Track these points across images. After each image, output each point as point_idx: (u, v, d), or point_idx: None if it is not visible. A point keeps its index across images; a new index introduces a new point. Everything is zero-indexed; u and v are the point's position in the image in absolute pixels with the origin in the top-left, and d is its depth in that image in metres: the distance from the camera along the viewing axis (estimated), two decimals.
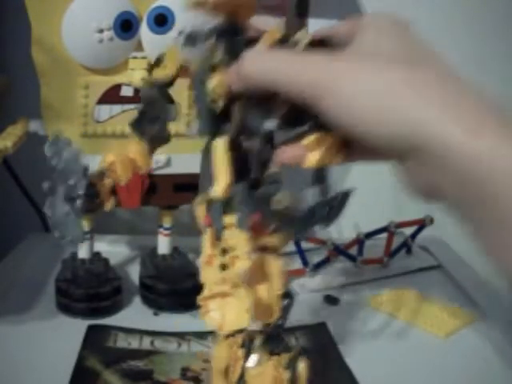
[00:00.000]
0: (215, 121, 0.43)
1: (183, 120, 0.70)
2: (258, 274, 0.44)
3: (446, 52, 1.05)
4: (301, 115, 0.40)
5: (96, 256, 0.75)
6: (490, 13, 0.99)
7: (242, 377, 0.43)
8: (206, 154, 0.45)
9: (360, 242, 0.84)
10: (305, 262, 0.81)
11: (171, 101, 0.56)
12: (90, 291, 0.69)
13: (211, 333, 0.66)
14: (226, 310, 0.44)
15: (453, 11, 0.99)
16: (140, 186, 0.71)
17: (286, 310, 0.45)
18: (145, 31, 0.65)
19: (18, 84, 0.92)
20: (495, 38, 1.00)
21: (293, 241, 0.81)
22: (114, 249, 0.85)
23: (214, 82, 0.42)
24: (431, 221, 0.85)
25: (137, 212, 0.98)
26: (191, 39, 0.46)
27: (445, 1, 0.99)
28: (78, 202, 0.58)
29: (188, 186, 0.74)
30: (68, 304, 0.69)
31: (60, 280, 0.71)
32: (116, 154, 0.58)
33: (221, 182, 0.43)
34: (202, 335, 0.66)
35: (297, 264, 0.81)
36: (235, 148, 0.43)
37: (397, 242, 0.87)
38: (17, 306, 0.70)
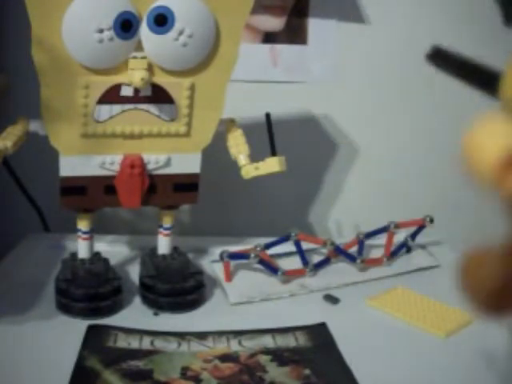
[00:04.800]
0: None
1: (183, 120, 0.70)
2: None
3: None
4: None
5: (96, 256, 0.75)
6: (490, 12, 0.99)
7: None
8: None
9: (360, 242, 0.84)
10: (305, 262, 0.81)
11: None
12: (90, 291, 0.69)
13: (211, 333, 0.66)
14: None
15: (454, 10, 0.99)
16: (140, 186, 0.72)
17: None
18: (145, 31, 0.65)
19: (18, 84, 0.92)
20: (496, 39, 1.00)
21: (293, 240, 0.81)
22: (113, 249, 0.85)
23: None
24: (431, 221, 0.85)
25: (137, 212, 0.98)
26: None
27: (446, 1, 0.99)
28: None
29: (188, 186, 0.74)
30: (68, 304, 0.69)
31: (60, 280, 0.71)
32: None
33: None
34: (202, 335, 0.66)
35: (297, 264, 0.81)
36: None
37: (397, 241, 0.87)
38: (17, 305, 0.70)
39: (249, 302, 0.74)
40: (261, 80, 0.98)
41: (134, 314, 0.70)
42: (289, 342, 0.65)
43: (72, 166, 0.69)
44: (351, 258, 0.83)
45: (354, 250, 0.84)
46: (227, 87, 0.71)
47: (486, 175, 0.19)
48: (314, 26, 0.97)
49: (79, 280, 0.70)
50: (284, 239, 0.81)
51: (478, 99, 1.11)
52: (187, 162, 0.73)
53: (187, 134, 0.72)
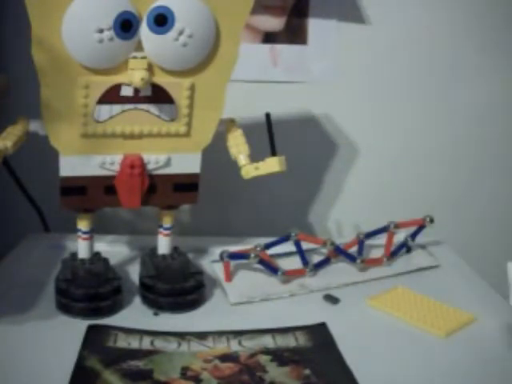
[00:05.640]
0: None
1: (183, 120, 0.70)
2: None
3: (447, 51, 1.05)
4: None
5: (96, 256, 0.75)
6: (490, 12, 0.99)
7: None
8: None
9: (360, 242, 0.84)
10: (305, 262, 0.81)
11: None
12: (90, 291, 0.69)
13: (211, 333, 0.66)
14: None
15: (454, 11, 0.99)
16: (140, 186, 0.72)
17: None
18: (145, 31, 0.65)
19: (18, 84, 0.92)
20: (496, 37, 1.00)
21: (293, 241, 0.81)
22: (113, 249, 0.85)
23: None
24: (431, 221, 0.85)
25: (137, 212, 0.98)
26: None
27: (446, 1, 0.99)
28: None
29: (188, 186, 0.74)
30: (68, 304, 0.69)
31: (60, 280, 0.71)
32: None
33: None
34: (202, 335, 0.66)
35: (297, 264, 0.81)
36: None
37: (397, 242, 0.87)
38: (17, 306, 0.70)
39: (249, 302, 0.74)
40: (261, 80, 0.98)
41: (134, 314, 0.70)
42: (289, 342, 0.65)
43: (72, 165, 0.69)
44: (351, 258, 0.83)
45: (354, 250, 0.84)
46: (227, 87, 0.71)
47: None
48: (314, 26, 0.97)
49: (79, 280, 0.70)
50: (284, 239, 0.81)
51: (477, 99, 1.12)
52: (187, 162, 0.73)
53: (187, 134, 0.72)
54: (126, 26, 0.64)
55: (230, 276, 0.78)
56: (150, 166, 0.72)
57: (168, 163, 0.72)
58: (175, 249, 0.78)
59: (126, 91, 0.68)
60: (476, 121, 1.04)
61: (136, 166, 0.70)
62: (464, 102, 1.03)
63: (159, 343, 0.64)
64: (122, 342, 0.64)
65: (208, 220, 1.02)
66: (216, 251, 0.82)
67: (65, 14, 0.62)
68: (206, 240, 0.90)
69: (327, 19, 0.97)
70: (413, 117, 1.03)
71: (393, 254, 0.86)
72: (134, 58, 0.66)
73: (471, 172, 1.07)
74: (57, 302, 0.70)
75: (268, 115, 0.75)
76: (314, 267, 0.81)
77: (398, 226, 0.85)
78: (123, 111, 0.68)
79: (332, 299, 0.75)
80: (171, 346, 0.64)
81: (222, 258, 0.77)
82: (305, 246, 0.82)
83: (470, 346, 0.66)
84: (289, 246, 0.82)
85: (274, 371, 0.60)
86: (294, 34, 0.97)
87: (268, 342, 0.65)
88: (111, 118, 0.68)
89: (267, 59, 0.97)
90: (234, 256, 0.78)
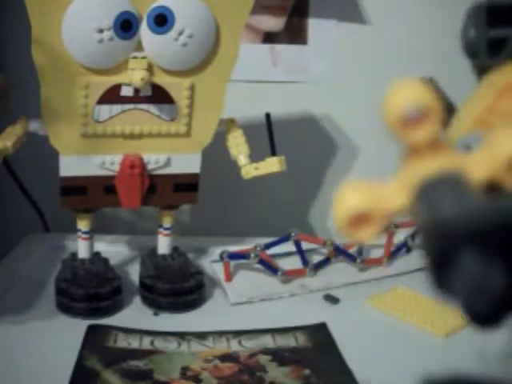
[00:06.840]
0: None
1: (183, 120, 0.70)
2: None
3: (448, 51, 1.05)
4: None
5: (96, 256, 0.75)
6: None
7: None
8: None
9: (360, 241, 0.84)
10: (305, 262, 0.81)
11: None
12: (89, 291, 0.69)
13: (211, 333, 0.66)
14: None
15: (454, 11, 0.99)
16: (140, 186, 0.72)
17: None
18: (145, 31, 0.65)
19: (18, 84, 0.92)
20: None
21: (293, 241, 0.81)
22: (113, 249, 0.85)
23: None
24: None
25: (137, 212, 0.98)
26: None
27: (446, 1, 0.99)
28: None
29: (188, 186, 0.74)
30: (68, 304, 0.69)
31: (60, 280, 0.71)
32: None
33: None
34: (202, 335, 0.66)
35: (297, 264, 0.81)
36: None
37: (397, 242, 0.87)
38: (17, 305, 0.70)
39: (249, 302, 0.74)
40: (261, 80, 0.98)
41: (134, 314, 0.70)
42: (289, 342, 0.65)
43: (72, 166, 0.69)
44: (351, 258, 0.83)
45: (354, 250, 0.84)
46: (227, 87, 0.71)
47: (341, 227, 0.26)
48: (314, 26, 0.97)
49: (79, 280, 0.70)
50: (284, 239, 0.81)
51: None
52: (187, 162, 0.73)
53: (187, 134, 0.72)
54: (126, 26, 0.64)
55: (230, 276, 0.78)
56: (150, 166, 0.72)
57: (168, 163, 0.72)
58: (175, 249, 0.78)
59: (126, 91, 0.68)
60: None
61: (136, 166, 0.70)
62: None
63: (159, 343, 0.64)
64: (122, 341, 0.64)
65: (208, 220, 1.02)
66: (216, 251, 0.82)
67: (65, 13, 0.62)
68: (206, 240, 0.90)
69: (327, 19, 0.97)
70: None
71: (393, 254, 0.86)
72: (134, 57, 0.66)
73: None
74: (57, 301, 0.70)
75: (268, 115, 0.75)
76: (314, 267, 0.81)
77: (397, 225, 0.85)
78: (123, 111, 0.68)
79: (332, 299, 0.75)
80: (171, 346, 0.64)
81: (222, 257, 0.77)
82: (305, 246, 0.82)
83: (470, 346, 0.66)
84: (289, 246, 0.82)
85: (274, 371, 0.60)
86: (294, 33, 0.97)
87: (268, 341, 0.65)
88: (111, 118, 0.68)
89: (267, 59, 0.97)
90: (234, 256, 0.78)
